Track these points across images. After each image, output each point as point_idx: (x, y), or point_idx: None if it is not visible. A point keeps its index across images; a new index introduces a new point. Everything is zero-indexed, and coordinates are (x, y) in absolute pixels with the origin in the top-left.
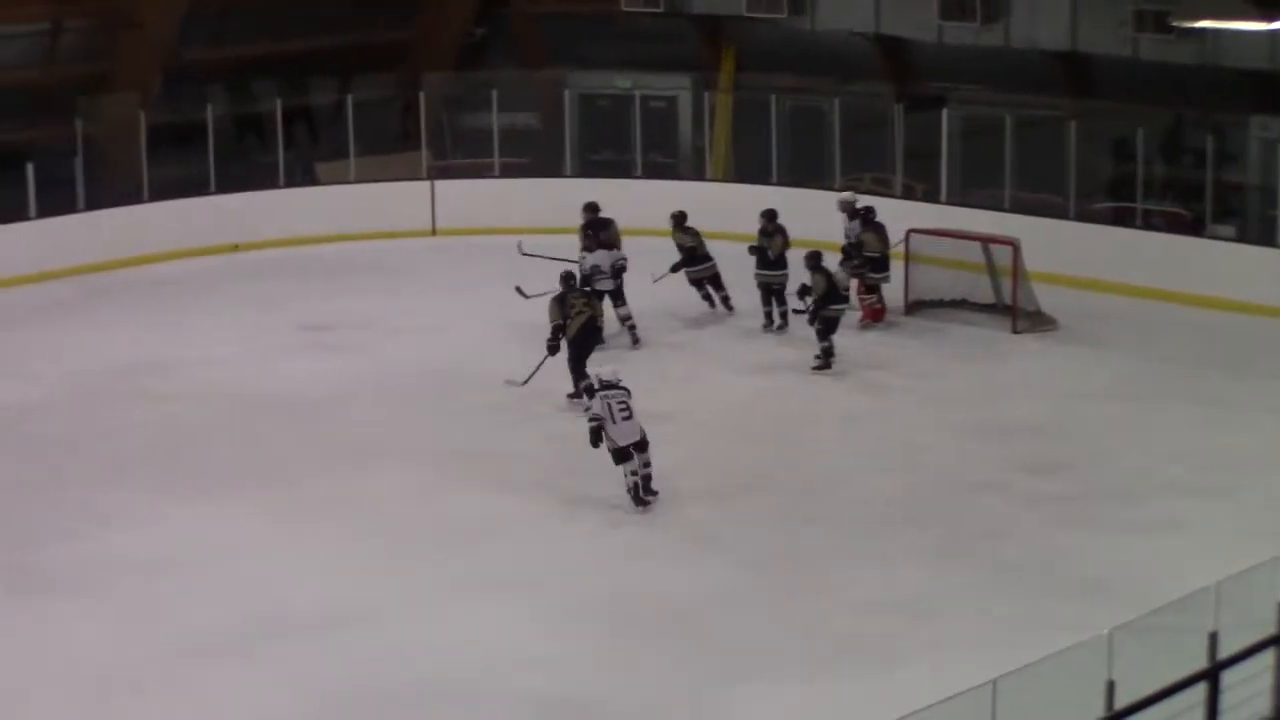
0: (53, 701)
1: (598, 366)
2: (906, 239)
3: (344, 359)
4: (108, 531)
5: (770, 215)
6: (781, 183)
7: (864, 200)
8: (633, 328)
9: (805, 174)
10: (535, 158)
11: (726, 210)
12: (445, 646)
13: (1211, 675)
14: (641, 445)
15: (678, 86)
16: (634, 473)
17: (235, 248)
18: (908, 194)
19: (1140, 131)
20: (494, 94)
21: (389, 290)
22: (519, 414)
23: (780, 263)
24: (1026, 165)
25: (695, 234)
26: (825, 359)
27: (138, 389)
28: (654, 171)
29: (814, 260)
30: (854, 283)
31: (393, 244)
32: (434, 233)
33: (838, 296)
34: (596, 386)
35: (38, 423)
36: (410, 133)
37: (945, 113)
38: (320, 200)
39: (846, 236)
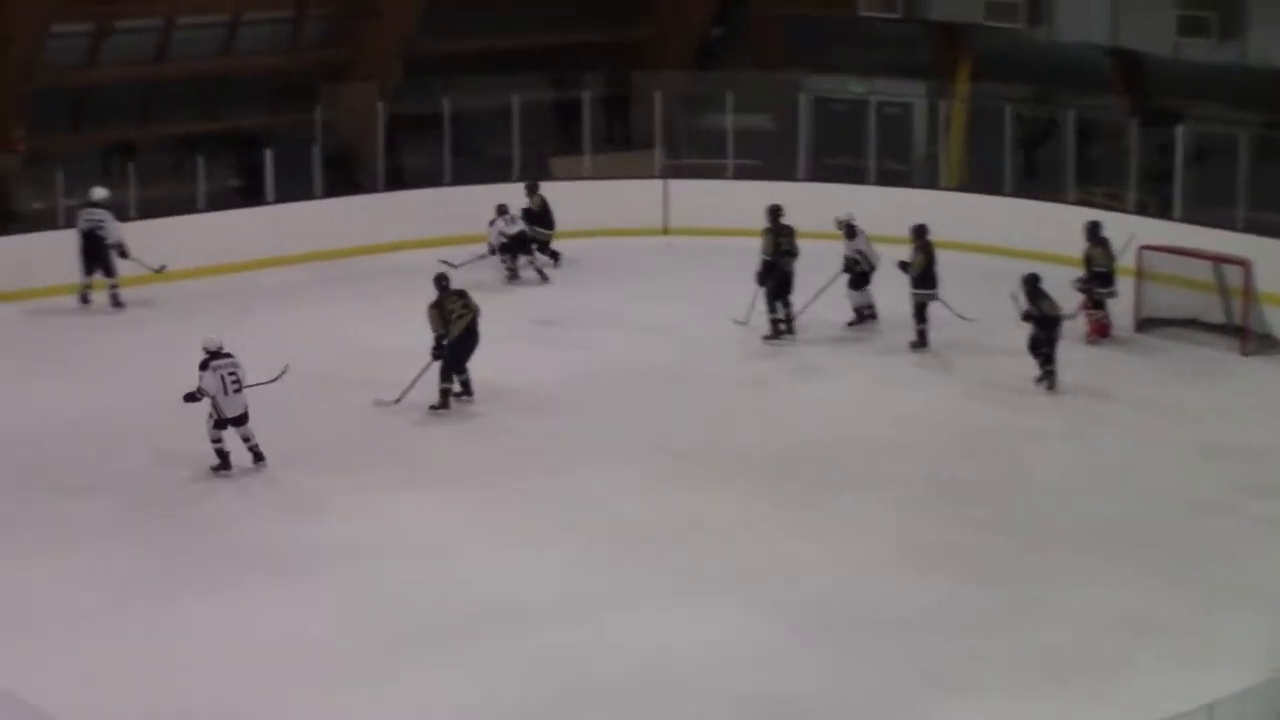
0: (270, 684)
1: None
2: (1138, 256)
3: (568, 354)
4: (329, 517)
5: (921, 231)
6: (1014, 193)
7: (1094, 215)
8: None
9: (1038, 185)
10: (768, 160)
11: (960, 219)
12: (659, 643)
13: None
14: (242, 419)
15: (913, 93)
16: (244, 439)
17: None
18: (1140, 209)
19: None
20: (729, 95)
21: (617, 287)
22: (742, 413)
23: (920, 280)
24: (1261, 185)
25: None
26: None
27: (363, 376)
28: (887, 178)
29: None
30: (1080, 298)
31: (623, 241)
32: (665, 231)
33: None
34: (206, 356)
35: (269, 407)
36: (645, 131)
37: (1180, 129)
38: (553, 195)
39: (846, 257)
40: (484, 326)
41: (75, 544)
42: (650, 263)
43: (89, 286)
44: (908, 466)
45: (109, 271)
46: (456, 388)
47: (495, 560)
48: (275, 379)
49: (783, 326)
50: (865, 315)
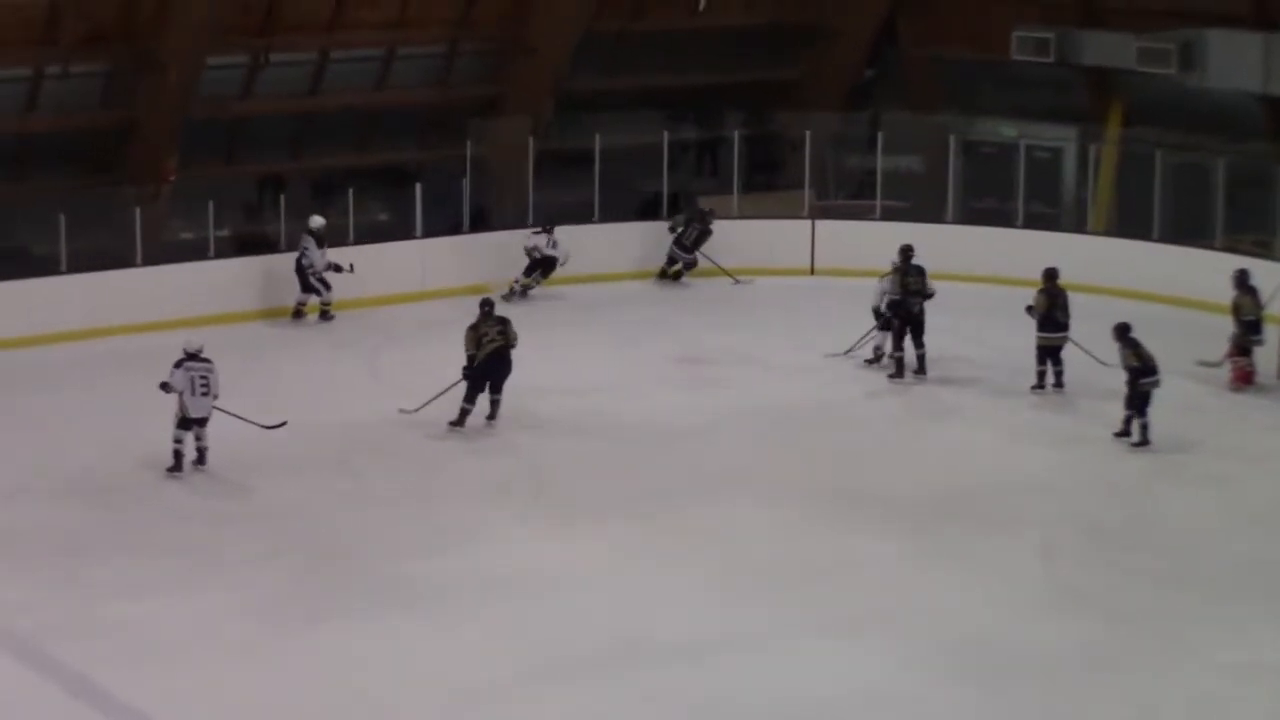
0: (414, 716)
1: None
2: None
3: (715, 393)
4: (473, 550)
5: (1049, 274)
6: (1162, 239)
7: (1242, 262)
8: None
9: (1187, 232)
10: (916, 202)
11: (1107, 263)
12: (796, 683)
13: None
14: (203, 422)
15: (1063, 137)
16: (196, 439)
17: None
18: None
19: None
20: (879, 136)
21: (765, 327)
22: (877, 454)
23: (1041, 324)
24: None
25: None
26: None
27: (510, 411)
28: (1035, 222)
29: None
30: (1227, 345)
31: (771, 281)
32: (812, 272)
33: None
34: (183, 357)
35: (415, 439)
36: (793, 170)
37: None
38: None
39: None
40: (627, 363)
41: (222, 574)
42: (795, 302)
43: (303, 305)
44: (1047, 509)
45: (316, 293)
46: (486, 410)
47: (631, 597)
48: (268, 427)
49: (913, 365)
50: (881, 355)
